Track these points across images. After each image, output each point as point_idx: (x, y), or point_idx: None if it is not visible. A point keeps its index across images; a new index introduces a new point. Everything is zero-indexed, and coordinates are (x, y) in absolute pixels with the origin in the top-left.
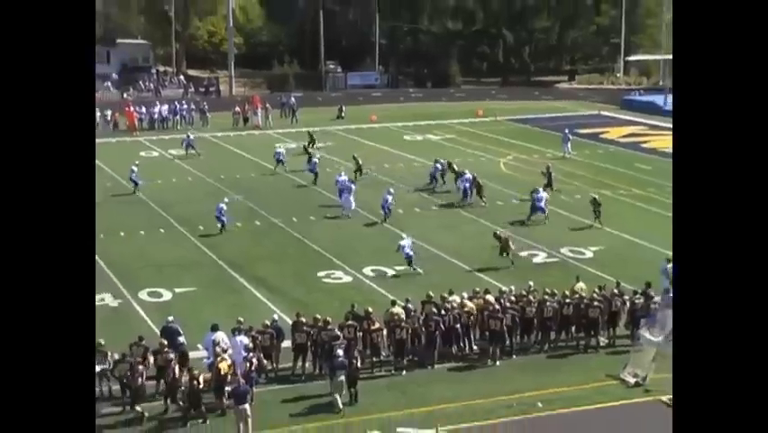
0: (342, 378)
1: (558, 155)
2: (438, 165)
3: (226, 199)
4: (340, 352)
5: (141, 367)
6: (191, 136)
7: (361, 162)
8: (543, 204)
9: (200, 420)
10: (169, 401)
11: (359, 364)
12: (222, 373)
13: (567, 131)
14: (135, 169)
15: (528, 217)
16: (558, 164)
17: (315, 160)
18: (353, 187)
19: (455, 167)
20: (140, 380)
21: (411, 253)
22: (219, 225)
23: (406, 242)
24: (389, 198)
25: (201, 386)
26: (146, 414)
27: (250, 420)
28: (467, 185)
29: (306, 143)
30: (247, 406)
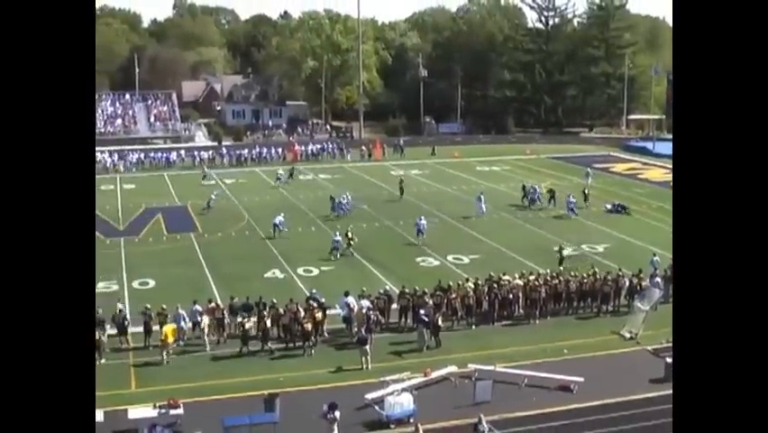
0: (424, 330)
1: (582, 182)
2: (535, 188)
3: (282, 214)
4: (422, 312)
5: (296, 317)
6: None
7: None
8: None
9: (306, 351)
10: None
11: (440, 322)
12: (316, 321)
13: (589, 170)
14: (214, 196)
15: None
16: (582, 189)
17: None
18: (483, 197)
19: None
20: (296, 325)
21: (337, 245)
22: (274, 232)
23: (338, 237)
24: (423, 222)
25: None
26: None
27: (369, 356)
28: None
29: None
30: (367, 347)
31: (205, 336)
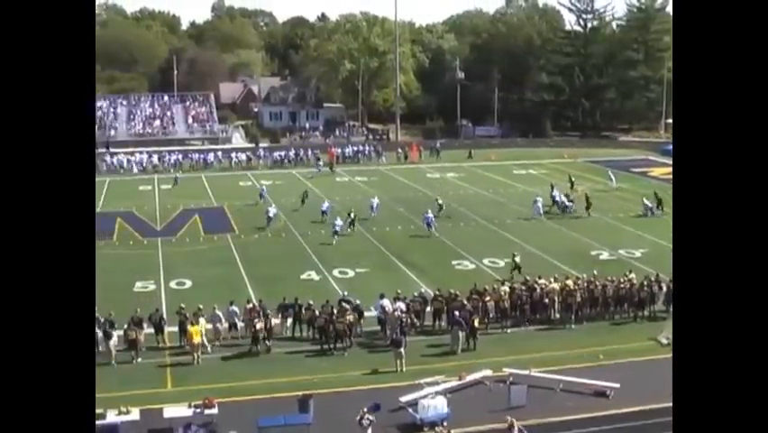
0: (459, 333)
1: (614, 186)
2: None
3: (274, 206)
4: (457, 314)
5: (331, 318)
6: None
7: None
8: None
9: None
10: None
11: (476, 324)
12: (350, 323)
13: (610, 172)
14: (265, 188)
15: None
16: (613, 192)
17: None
18: (540, 200)
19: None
20: (330, 327)
21: (339, 229)
22: (268, 223)
23: (339, 222)
24: (431, 215)
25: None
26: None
27: (403, 358)
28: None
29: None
30: (402, 349)
31: (204, 340)
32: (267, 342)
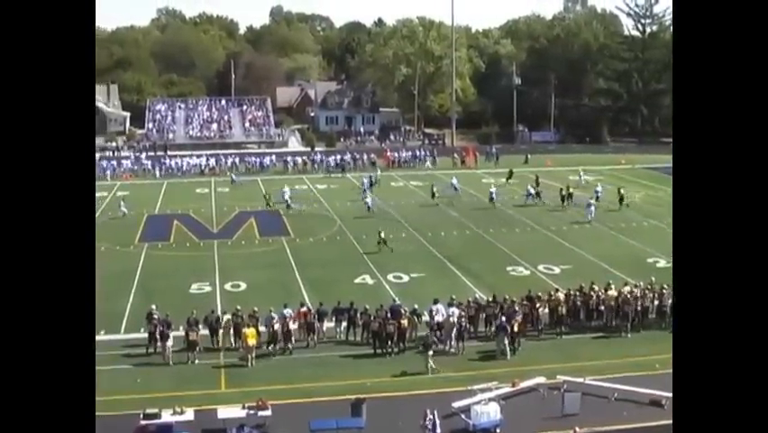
0: (505, 338)
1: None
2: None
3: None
4: (504, 319)
5: (385, 323)
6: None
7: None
8: None
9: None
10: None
11: (516, 329)
12: (402, 328)
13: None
14: (287, 191)
15: None
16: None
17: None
18: (592, 202)
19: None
20: (384, 331)
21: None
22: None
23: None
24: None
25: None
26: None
27: (431, 361)
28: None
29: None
30: (430, 352)
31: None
32: (288, 343)
